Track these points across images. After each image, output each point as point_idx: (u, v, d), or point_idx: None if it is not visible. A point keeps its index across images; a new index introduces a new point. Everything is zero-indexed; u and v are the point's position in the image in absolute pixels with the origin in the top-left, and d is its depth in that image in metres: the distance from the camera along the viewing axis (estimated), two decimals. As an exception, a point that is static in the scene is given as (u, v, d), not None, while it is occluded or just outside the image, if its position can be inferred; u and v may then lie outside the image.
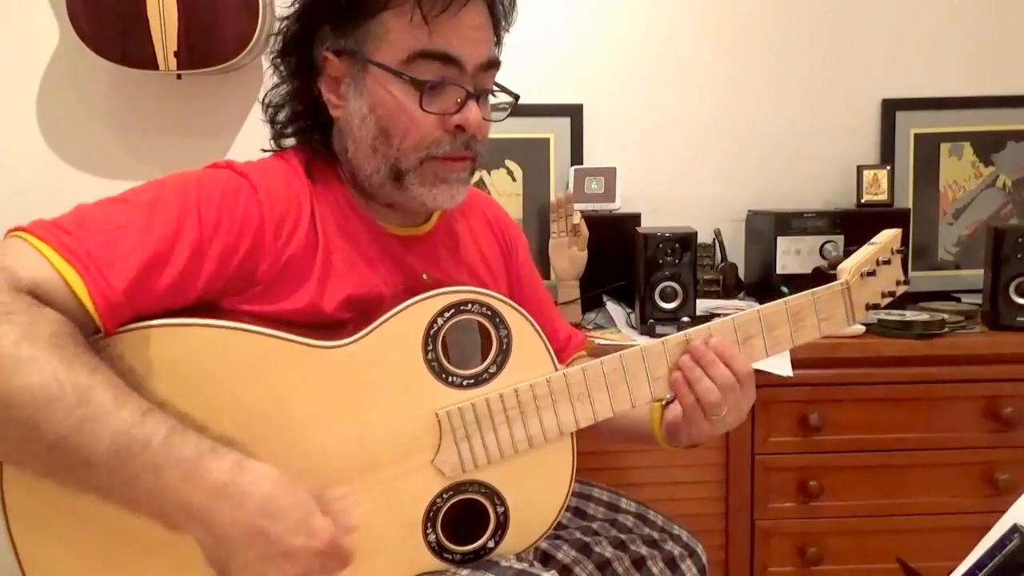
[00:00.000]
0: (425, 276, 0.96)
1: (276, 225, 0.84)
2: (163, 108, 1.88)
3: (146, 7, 1.65)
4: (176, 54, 1.68)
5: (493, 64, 0.90)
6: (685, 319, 1.52)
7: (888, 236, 1.01)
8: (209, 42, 1.68)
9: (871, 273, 0.97)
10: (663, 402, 1.02)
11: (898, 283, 1.01)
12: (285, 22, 0.93)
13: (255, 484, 0.72)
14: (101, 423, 0.67)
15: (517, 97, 0.95)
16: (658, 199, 1.92)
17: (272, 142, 0.98)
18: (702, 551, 1.09)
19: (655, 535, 1.08)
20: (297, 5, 0.91)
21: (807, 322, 0.95)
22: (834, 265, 0.98)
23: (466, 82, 0.87)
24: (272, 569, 0.71)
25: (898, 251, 1.01)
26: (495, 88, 0.93)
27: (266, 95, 0.97)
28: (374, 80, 0.87)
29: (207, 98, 1.88)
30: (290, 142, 0.97)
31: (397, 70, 0.85)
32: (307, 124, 0.94)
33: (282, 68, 0.94)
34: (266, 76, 0.97)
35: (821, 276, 0.99)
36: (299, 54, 0.92)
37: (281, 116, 0.96)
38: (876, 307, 0.99)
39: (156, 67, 1.68)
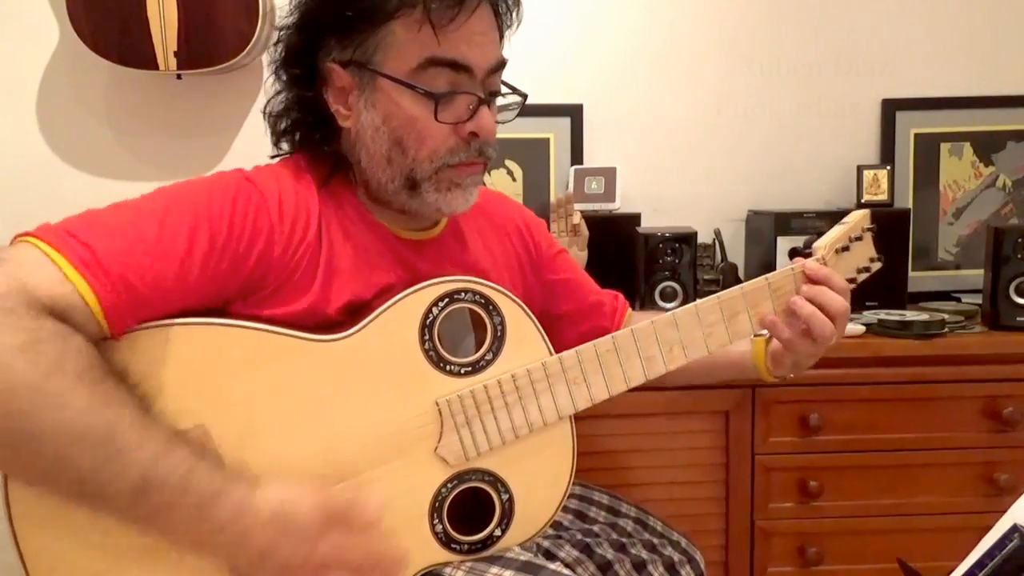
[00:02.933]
0: None
1: (285, 234, 0.84)
2: (163, 108, 1.87)
3: (146, 7, 1.65)
4: (176, 54, 1.67)
5: (501, 65, 0.90)
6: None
7: (857, 216, 1.04)
8: (209, 42, 1.67)
9: (845, 248, 1.00)
10: (765, 337, 1.02)
11: (871, 260, 1.03)
12: (285, 31, 0.91)
13: (261, 519, 0.72)
14: (123, 462, 0.68)
15: (525, 96, 0.95)
16: (658, 199, 1.91)
17: (275, 148, 0.97)
18: (700, 557, 1.10)
19: (654, 540, 1.09)
20: (297, 15, 0.90)
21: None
22: (808, 245, 1.02)
23: (476, 88, 0.87)
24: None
25: (868, 229, 1.03)
26: (503, 88, 0.92)
27: (267, 103, 0.95)
28: (384, 92, 0.86)
29: (207, 98, 1.87)
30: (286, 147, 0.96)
31: (408, 82, 0.85)
32: (313, 133, 0.93)
33: (284, 78, 0.93)
34: (266, 76, 0.97)
35: (797, 256, 1.02)
36: (302, 64, 0.90)
37: (284, 124, 0.95)
38: (853, 281, 1.01)
39: (156, 67, 1.67)
